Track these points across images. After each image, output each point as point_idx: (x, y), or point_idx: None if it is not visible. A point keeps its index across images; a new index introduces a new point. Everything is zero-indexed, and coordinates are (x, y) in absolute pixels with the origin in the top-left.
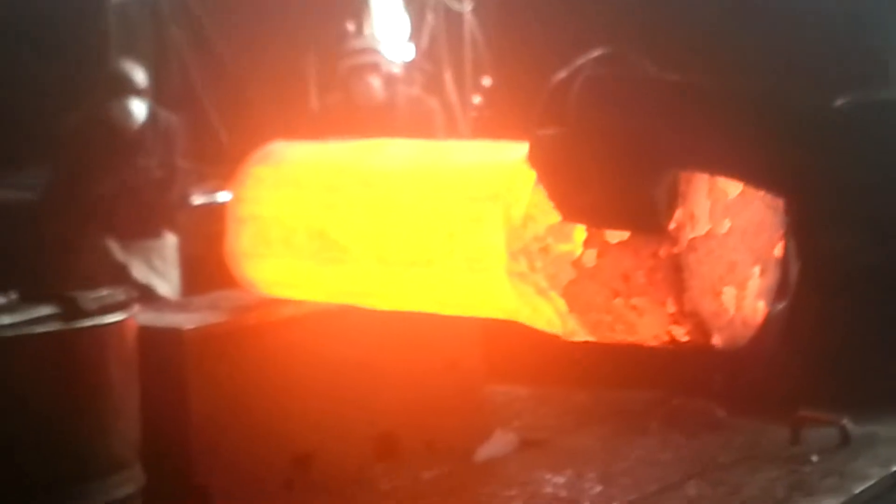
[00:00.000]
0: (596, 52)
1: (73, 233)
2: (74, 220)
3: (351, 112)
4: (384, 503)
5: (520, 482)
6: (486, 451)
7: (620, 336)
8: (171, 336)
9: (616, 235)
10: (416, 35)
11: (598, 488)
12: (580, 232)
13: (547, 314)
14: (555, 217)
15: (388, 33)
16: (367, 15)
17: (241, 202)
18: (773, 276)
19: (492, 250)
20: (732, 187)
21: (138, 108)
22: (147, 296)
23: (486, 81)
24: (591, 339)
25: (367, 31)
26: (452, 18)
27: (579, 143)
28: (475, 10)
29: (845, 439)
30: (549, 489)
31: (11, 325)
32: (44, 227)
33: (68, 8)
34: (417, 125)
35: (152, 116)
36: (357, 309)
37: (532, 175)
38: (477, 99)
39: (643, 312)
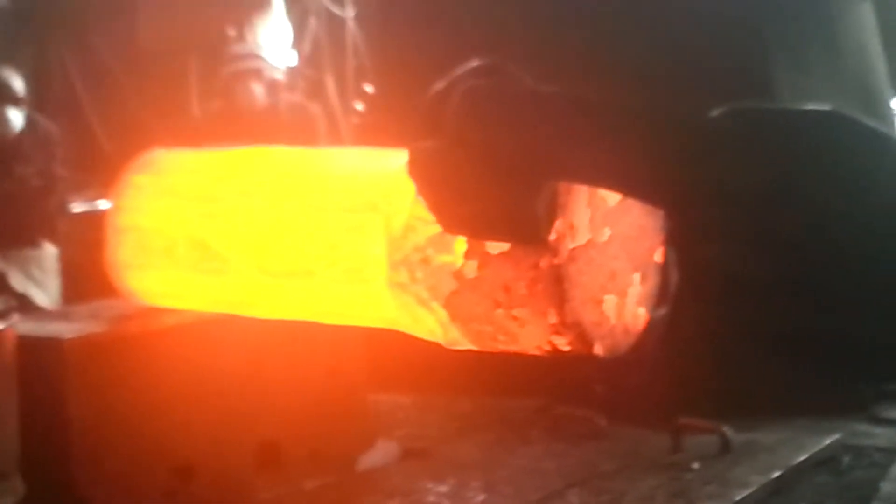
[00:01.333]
0: (474, 63)
1: None
2: None
3: (233, 118)
4: None
5: (403, 492)
6: (368, 461)
7: (503, 346)
8: (50, 345)
9: (497, 247)
10: (298, 41)
11: (482, 497)
12: (461, 243)
13: (428, 324)
14: (435, 228)
15: (271, 39)
16: (249, 20)
17: (121, 212)
18: (653, 283)
19: (372, 261)
20: (612, 196)
21: (15, 116)
22: (25, 306)
23: (369, 88)
24: (473, 348)
25: (248, 36)
26: (335, 24)
27: (458, 154)
28: (358, 17)
29: (726, 446)
30: (431, 498)
31: None
32: None
33: None
34: (300, 131)
35: (30, 124)
36: (239, 318)
37: (412, 185)
38: (359, 105)
39: (525, 323)
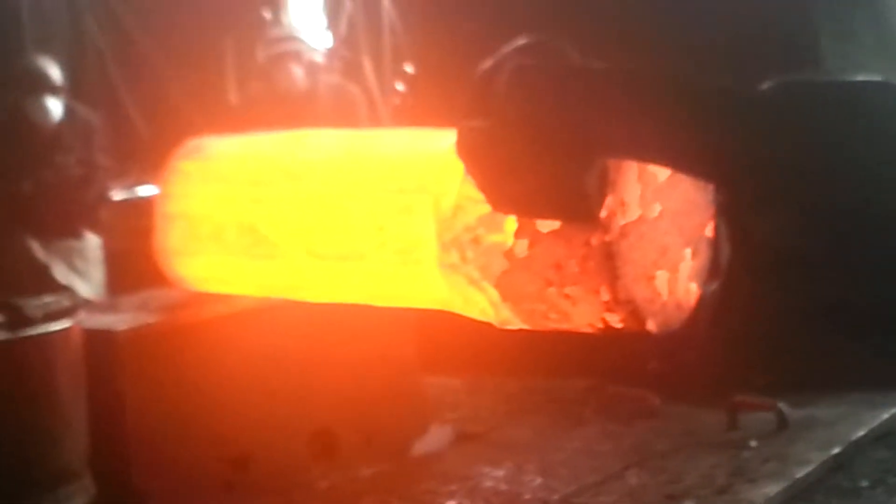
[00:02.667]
0: (521, 41)
1: None
2: None
3: (272, 102)
4: (323, 502)
5: (459, 477)
6: (423, 446)
7: (555, 324)
8: (106, 338)
9: (547, 225)
10: (333, 22)
11: (539, 480)
12: (511, 222)
13: (480, 304)
14: (485, 207)
15: (306, 20)
16: (284, 2)
17: (169, 199)
18: (704, 257)
19: (423, 242)
20: (662, 171)
21: (55, 106)
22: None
23: (408, 68)
24: (525, 327)
25: (284, 18)
26: (370, 4)
27: (507, 133)
28: None
29: (783, 423)
30: (489, 483)
31: None
32: None
33: None
34: (340, 113)
35: (69, 113)
36: (290, 304)
37: (461, 165)
38: (399, 86)
39: (577, 301)
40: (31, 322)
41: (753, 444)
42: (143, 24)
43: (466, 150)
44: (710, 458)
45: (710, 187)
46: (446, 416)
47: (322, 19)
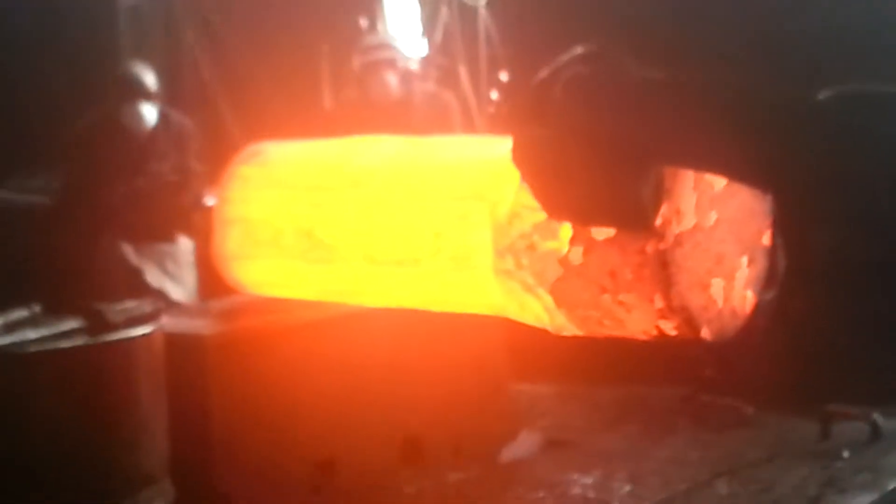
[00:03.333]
0: (578, 50)
1: (87, 238)
2: (88, 226)
3: (367, 109)
4: None
5: (547, 484)
6: (511, 453)
7: (609, 331)
8: (192, 342)
9: (602, 232)
10: (429, 30)
11: (628, 488)
12: (566, 229)
13: (535, 310)
14: (541, 215)
15: (402, 29)
16: (381, 10)
17: (227, 203)
18: (761, 265)
19: (478, 248)
20: (718, 180)
21: (149, 112)
22: (162, 301)
23: (503, 76)
24: (579, 333)
25: (380, 26)
26: (466, 13)
27: (563, 141)
28: (489, 4)
29: (876, 434)
30: (577, 490)
31: (36, 340)
32: (57, 233)
33: (79, 10)
34: (435, 121)
35: (164, 119)
36: (379, 310)
37: (517, 173)
38: (494, 94)
39: (631, 308)
40: (113, 327)
41: (846, 454)
42: (239, 30)
43: (522, 157)
44: (802, 469)
45: (768, 196)
46: (536, 423)
47: (418, 27)
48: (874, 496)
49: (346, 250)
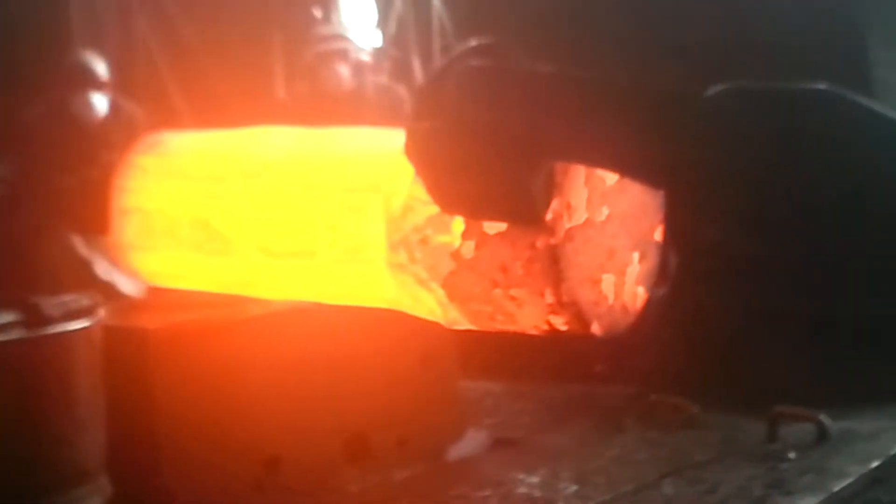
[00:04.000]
0: (471, 43)
1: (34, 229)
2: (35, 217)
3: (319, 100)
4: None
5: (493, 482)
6: (458, 451)
7: (501, 325)
8: (135, 336)
9: (494, 227)
10: (383, 21)
11: (574, 488)
12: (459, 223)
13: (428, 304)
14: (434, 208)
15: (356, 19)
16: (335, 0)
17: (125, 193)
18: (652, 261)
19: (372, 241)
20: (610, 175)
21: (99, 102)
22: (110, 294)
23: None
24: (472, 328)
25: (334, 17)
26: (420, 4)
27: (455, 134)
28: None
29: (823, 435)
30: (523, 489)
31: None
32: (3, 224)
33: None
34: (386, 114)
35: (115, 109)
36: (325, 306)
37: (411, 166)
38: None
39: (522, 303)
40: (51, 320)
41: (792, 455)
42: (192, 19)
43: (415, 150)
44: (748, 469)
45: (659, 192)
46: (484, 421)
47: (372, 18)
48: (820, 498)
49: (242, 242)
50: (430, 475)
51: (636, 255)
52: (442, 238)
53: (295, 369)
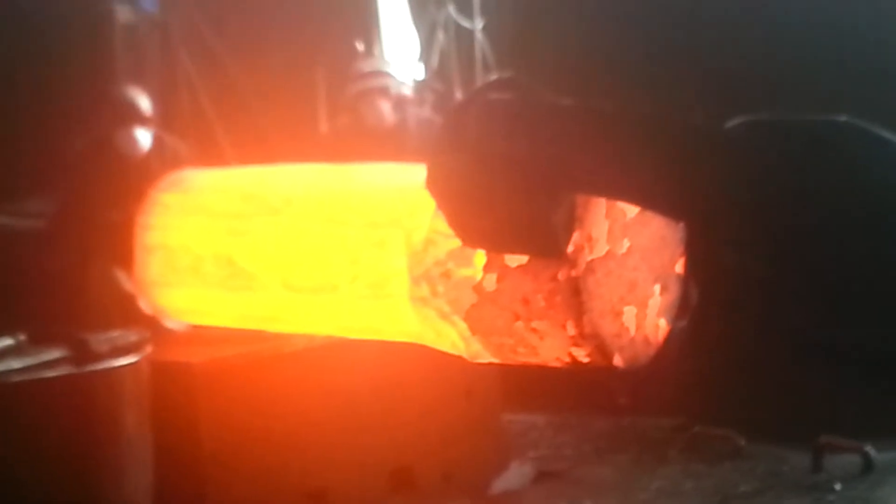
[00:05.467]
0: (493, 77)
1: (79, 265)
2: (80, 252)
3: (361, 136)
4: None
5: None
6: (502, 484)
7: (523, 358)
8: (180, 370)
9: (515, 260)
10: (426, 54)
11: None
12: (480, 257)
13: (451, 337)
14: (455, 242)
15: (398, 52)
16: (377, 34)
17: (149, 230)
18: (674, 293)
19: (394, 275)
20: (631, 208)
21: (143, 137)
22: (156, 328)
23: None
24: (494, 360)
25: (376, 51)
26: (463, 36)
27: (476, 168)
28: (486, 28)
29: (868, 466)
30: None
31: (21, 370)
32: (48, 259)
33: (75, 31)
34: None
35: (159, 143)
36: (371, 341)
37: (432, 200)
38: None
39: (544, 335)
40: (98, 357)
41: (838, 486)
42: (235, 54)
43: (436, 184)
44: (793, 500)
45: (680, 225)
46: (527, 454)
47: (415, 51)
48: None
49: (265, 277)
50: None
51: (658, 287)
52: (464, 271)
53: (339, 402)
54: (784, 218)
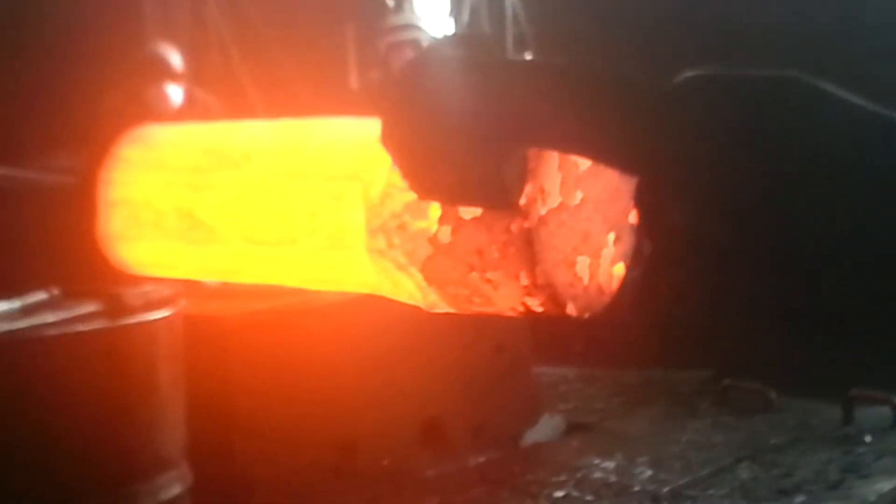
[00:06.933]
0: (449, 34)
1: None
2: None
3: None
4: (431, 491)
5: (569, 468)
6: (533, 436)
7: (478, 308)
8: (212, 324)
9: (469, 212)
10: (456, 10)
11: (649, 472)
12: (435, 209)
13: (408, 288)
14: (411, 195)
15: (429, 8)
16: None
17: (111, 185)
18: (627, 243)
19: (352, 228)
20: (583, 161)
21: (174, 92)
22: (188, 283)
23: (529, 56)
24: (451, 310)
25: (407, 5)
26: None
27: (429, 122)
28: None
29: None
30: (598, 474)
31: (54, 324)
32: (80, 215)
33: None
34: None
35: (190, 99)
36: None
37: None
38: None
39: (498, 285)
40: (132, 310)
41: (868, 439)
42: (265, 9)
43: (390, 139)
44: (824, 453)
45: (633, 177)
46: (558, 407)
47: (445, 6)
48: None
49: (225, 231)
50: (506, 461)
51: (611, 237)
52: (419, 224)
53: (371, 355)
54: (733, 174)
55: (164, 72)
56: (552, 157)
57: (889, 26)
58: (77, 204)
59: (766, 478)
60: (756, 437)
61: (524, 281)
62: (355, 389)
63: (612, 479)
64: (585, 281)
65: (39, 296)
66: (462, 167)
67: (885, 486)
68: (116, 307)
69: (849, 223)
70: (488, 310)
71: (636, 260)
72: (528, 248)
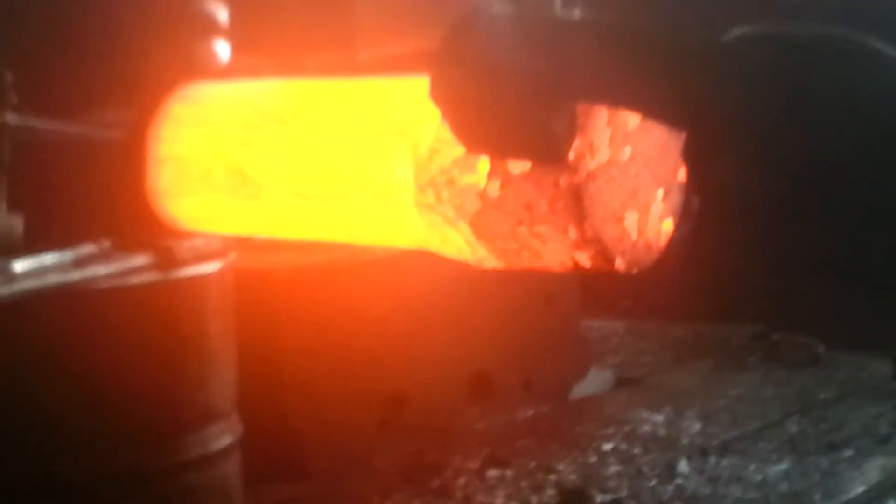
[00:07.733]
0: None
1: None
2: None
3: None
4: (479, 444)
5: (617, 421)
6: (581, 390)
7: (527, 262)
8: (260, 277)
9: (518, 166)
10: None
11: (698, 426)
12: (484, 164)
13: (456, 243)
14: (460, 150)
15: None
16: None
17: (160, 142)
18: (676, 200)
19: (400, 183)
20: (633, 116)
21: (222, 49)
22: (236, 238)
23: (577, 14)
24: (500, 265)
25: None
26: None
27: (480, 78)
28: None
29: None
30: (646, 428)
31: (105, 276)
32: (130, 169)
33: None
34: None
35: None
36: None
37: (437, 110)
38: None
39: (547, 240)
40: (182, 263)
41: None
42: None
43: (440, 94)
44: (873, 408)
45: (683, 134)
46: (607, 361)
47: None
48: None
49: (274, 186)
50: (554, 414)
51: (660, 193)
52: (468, 178)
53: (419, 309)
54: (785, 131)
55: (211, 27)
56: (601, 113)
57: None
58: (127, 159)
59: (815, 432)
60: (805, 392)
61: (573, 235)
62: (403, 344)
63: (661, 432)
64: (634, 236)
65: (89, 248)
66: (511, 122)
67: None
68: (168, 260)
69: None
70: (537, 264)
71: (684, 216)
72: (577, 202)
